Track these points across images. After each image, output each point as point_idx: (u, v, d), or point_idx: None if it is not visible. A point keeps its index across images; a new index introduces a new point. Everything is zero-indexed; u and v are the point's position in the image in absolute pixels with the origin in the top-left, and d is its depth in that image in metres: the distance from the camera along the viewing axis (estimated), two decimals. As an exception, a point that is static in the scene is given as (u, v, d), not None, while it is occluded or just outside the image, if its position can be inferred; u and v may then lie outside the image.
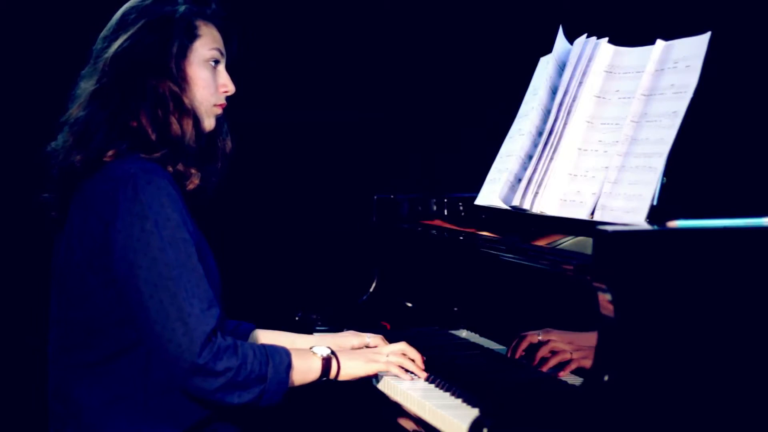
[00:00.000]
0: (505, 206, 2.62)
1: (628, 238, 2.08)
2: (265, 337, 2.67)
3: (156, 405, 2.31)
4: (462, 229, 2.80)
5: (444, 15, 4.12)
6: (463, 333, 2.86)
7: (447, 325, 2.91)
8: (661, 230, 2.16)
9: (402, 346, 2.53)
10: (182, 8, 2.41)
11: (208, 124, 2.46)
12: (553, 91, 2.65)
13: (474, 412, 2.18)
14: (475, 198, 2.76)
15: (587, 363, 2.30)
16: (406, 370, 2.49)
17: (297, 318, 2.96)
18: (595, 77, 2.57)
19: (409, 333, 2.82)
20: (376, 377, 2.51)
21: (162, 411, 2.31)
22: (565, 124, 2.57)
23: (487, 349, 2.68)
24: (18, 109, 3.76)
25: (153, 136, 2.34)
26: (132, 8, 2.41)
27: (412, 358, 2.51)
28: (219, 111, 2.48)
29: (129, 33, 2.36)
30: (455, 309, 2.91)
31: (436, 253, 2.96)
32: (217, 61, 2.46)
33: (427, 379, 2.47)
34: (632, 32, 2.63)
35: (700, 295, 2.08)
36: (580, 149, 2.55)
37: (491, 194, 2.68)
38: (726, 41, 2.49)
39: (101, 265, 2.26)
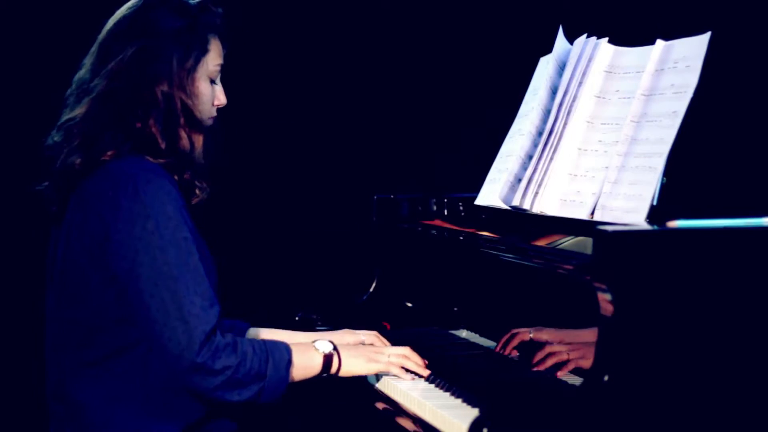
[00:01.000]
0: (505, 206, 2.62)
1: (628, 238, 2.08)
2: (264, 334, 2.67)
3: (156, 403, 2.31)
4: (462, 229, 2.80)
5: (444, 15, 4.12)
6: (463, 333, 2.86)
7: (447, 325, 2.91)
8: (661, 230, 2.16)
9: (405, 350, 2.53)
10: (201, 21, 2.38)
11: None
12: (553, 91, 2.65)
13: (474, 412, 2.18)
14: (475, 198, 2.76)
15: (585, 363, 2.31)
16: (407, 371, 2.49)
17: (297, 318, 2.96)
18: (595, 77, 2.57)
19: (409, 333, 2.82)
20: (376, 376, 2.51)
21: (162, 409, 2.31)
22: (565, 124, 2.57)
23: (487, 349, 2.68)
24: (15, 102, 3.76)
25: (162, 145, 2.34)
26: (147, 11, 2.36)
27: (415, 361, 2.51)
28: (210, 123, 2.47)
29: (145, 40, 2.33)
30: (455, 309, 2.91)
31: (436, 253, 2.96)
32: (216, 76, 2.45)
33: (427, 379, 2.47)
34: (632, 32, 2.63)
35: (700, 295, 2.08)
36: (580, 149, 2.55)
37: (491, 194, 2.68)
38: (726, 41, 2.49)
39: (101, 264, 2.27)
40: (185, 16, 2.37)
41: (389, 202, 3.14)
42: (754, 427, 2.10)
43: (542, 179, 2.56)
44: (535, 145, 2.62)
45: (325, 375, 2.42)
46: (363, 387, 2.55)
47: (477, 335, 2.79)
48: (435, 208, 3.08)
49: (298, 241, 4.08)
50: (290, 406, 2.51)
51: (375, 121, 4.12)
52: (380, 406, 2.50)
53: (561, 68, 2.66)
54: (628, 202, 2.36)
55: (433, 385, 2.43)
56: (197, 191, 2.41)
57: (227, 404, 2.29)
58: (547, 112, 2.63)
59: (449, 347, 2.74)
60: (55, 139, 2.37)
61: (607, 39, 2.59)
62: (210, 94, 2.43)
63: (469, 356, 2.64)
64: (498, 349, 2.59)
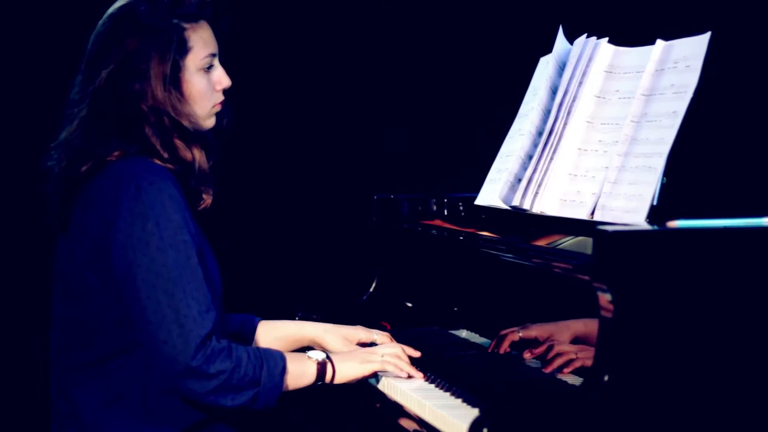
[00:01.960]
0: (505, 206, 2.62)
1: (628, 238, 2.08)
2: (274, 326, 2.68)
3: (155, 405, 2.31)
4: (462, 229, 2.80)
5: (445, 15, 4.12)
6: (463, 333, 2.86)
7: (447, 325, 2.91)
8: (661, 230, 2.16)
9: (397, 348, 2.53)
10: (171, 21, 2.32)
11: (209, 123, 2.44)
12: (553, 91, 2.65)
13: (474, 412, 2.18)
14: (475, 198, 2.76)
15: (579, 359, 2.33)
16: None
17: (297, 318, 2.96)
18: (595, 77, 2.57)
19: (409, 333, 2.82)
20: (376, 377, 2.51)
21: (161, 411, 2.31)
22: (565, 124, 2.57)
23: (487, 348, 2.68)
24: (20, 108, 3.76)
25: (165, 155, 2.32)
26: (117, 23, 2.32)
27: (410, 354, 2.50)
28: (218, 108, 2.44)
29: (118, 56, 2.29)
30: (455, 309, 2.91)
31: (436, 253, 2.96)
32: (210, 65, 2.40)
33: (427, 379, 2.47)
34: (632, 32, 2.63)
35: (700, 295, 2.08)
36: (580, 149, 2.55)
37: (491, 194, 2.67)
38: (726, 41, 2.49)
39: (102, 264, 2.26)
40: (155, 20, 2.31)
41: (389, 202, 3.14)
42: (754, 427, 2.10)
43: (542, 179, 2.56)
44: (535, 145, 2.62)
45: (320, 383, 2.41)
46: (363, 387, 2.54)
47: (477, 335, 2.79)
48: (435, 208, 3.08)
49: (298, 241, 4.08)
50: (290, 409, 2.51)
51: (375, 122, 4.12)
52: (380, 406, 2.50)
53: (561, 68, 2.66)
54: (628, 202, 2.36)
55: (433, 385, 2.43)
56: (204, 197, 2.40)
57: (221, 409, 2.28)
58: (547, 112, 2.63)
59: (449, 347, 2.74)
60: (50, 162, 2.36)
61: (607, 39, 2.59)
62: (205, 88, 2.38)
63: (469, 356, 2.64)
64: (490, 350, 2.60)
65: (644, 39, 2.53)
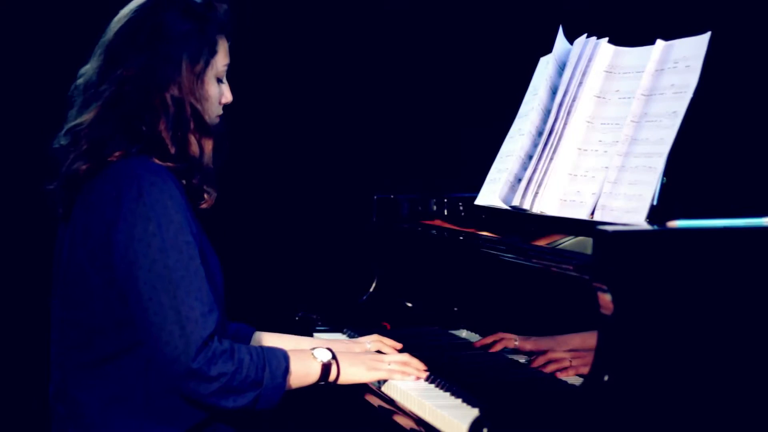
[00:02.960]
0: (505, 206, 2.62)
1: (628, 238, 2.08)
2: (269, 338, 2.67)
3: (156, 406, 2.31)
4: (462, 229, 2.80)
5: (445, 15, 4.12)
6: (463, 333, 2.86)
7: (447, 325, 2.91)
8: (661, 230, 2.16)
9: (404, 356, 2.53)
10: (209, 22, 2.36)
11: None
12: (553, 91, 2.65)
13: (474, 412, 2.18)
14: (475, 198, 2.76)
15: (586, 370, 2.32)
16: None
17: (297, 318, 2.96)
18: (595, 77, 2.57)
19: (409, 333, 2.82)
20: (378, 382, 2.51)
21: (162, 412, 2.31)
22: (565, 124, 2.57)
23: (487, 348, 2.68)
24: (21, 103, 3.76)
25: (172, 150, 2.33)
26: (154, 13, 2.34)
27: (415, 367, 2.50)
28: (216, 122, 2.46)
29: (154, 45, 2.31)
30: (455, 309, 2.91)
31: (436, 253, 2.96)
32: (223, 75, 2.44)
33: (427, 379, 2.47)
34: (632, 32, 2.63)
35: (700, 295, 2.08)
36: (580, 149, 2.55)
37: (491, 194, 2.67)
38: (726, 41, 2.49)
39: (103, 264, 2.26)
40: (193, 18, 2.35)
41: (389, 202, 3.14)
42: (754, 426, 2.10)
43: (542, 179, 2.56)
44: (535, 145, 2.62)
45: (323, 383, 2.41)
46: (363, 386, 2.54)
47: (477, 335, 2.79)
48: (435, 208, 3.08)
49: (298, 241, 4.08)
50: (290, 408, 2.51)
51: (375, 122, 4.12)
52: (380, 405, 2.50)
53: (561, 68, 2.67)
54: (628, 202, 2.36)
55: (433, 385, 2.43)
56: (205, 196, 2.40)
57: (222, 410, 2.28)
58: (547, 112, 2.63)
59: (449, 347, 2.74)
60: (62, 142, 2.35)
61: (607, 39, 2.59)
62: (217, 95, 2.42)
63: (469, 356, 2.64)
64: (477, 344, 2.61)
65: (644, 39, 2.54)
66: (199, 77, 2.35)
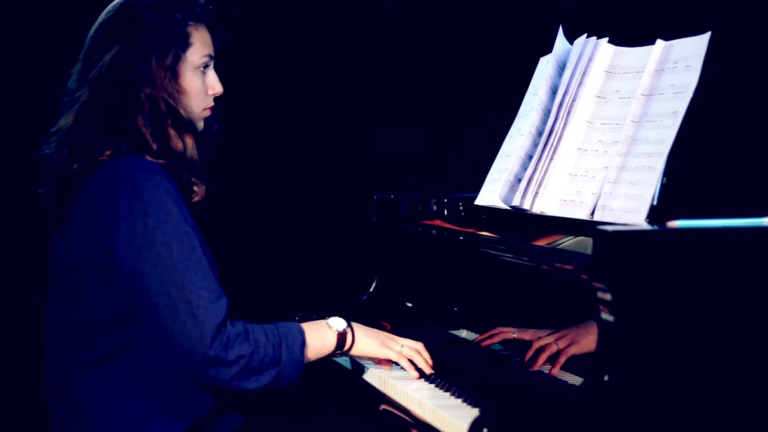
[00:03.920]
0: (505, 206, 2.62)
1: (628, 238, 2.08)
2: None
3: (160, 401, 2.31)
4: (462, 229, 2.80)
5: (445, 15, 4.12)
6: (463, 333, 2.86)
7: (447, 325, 2.91)
8: (661, 230, 2.16)
9: (419, 345, 2.53)
10: (177, 15, 2.36)
11: (199, 126, 2.46)
12: (553, 91, 2.65)
13: (474, 412, 2.18)
14: (475, 198, 2.76)
15: (575, 349, 2.34)
16: (415, 367, 2.49)
17: (297, 318, 2.96)
18: (595, 77, 2.57)
19: (409, 333, 2.82)
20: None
21: (166, 406, 2.32)
22: (565, 124, 2.57)
23: (488, 349, 2.69)
24: (14, 106, 3.76)
25: (154, 146, 2.34)
26: (123, 14, 2.36)
27: (425, 359, 2.51)
28: (208, 113, 2.47)
29: (122, 43, 2.32)
30: (455, 309, 2.91)
31: (436, 253, 2.96)
32: (206, 65, 2.44)
33: (427, 379, 2.48)
34: (632, 32, 2.63)
35: (699, 295, 2.08)
36: (580, 149, 2.55)
37: (491, 194, 2.67)
38: (726, 41, 2.49)
39: (102, 264, 2.26)
40: (161, 12, 2.35)
41: (389, 202, 3.14)
42: (754, 426, 2.10)
43: (542, 179, 2.56)
44: (535, 145, 2.62)
45: (339, 352, 2.43)
46: (363, 386, 2.55)
47: (477, 335, 2.79)
48: (435, 208, 3.08)
49: (298, 241, 4.08)
50: (290, 408, 2.52)
51: (375, 121, 4.12)
52: (380, 406, 2.50)
53: (561, 68, 2.66)
54: (628, 202, 2.36)
55: (433, 385, 2.43)
56: (195, 189, 2.41)
57: (246, 393, 2.29)
58: (547, 112, 2.63)
59: (449, 347, 2.74)
60: (48, 150, 2.37)
61: (607, 39, 2.59)
62: (200, 87, 2.42)
63: (469, 356, 2.64)
64: (475, 340, 2.62)
65: (644, 39, 2.53)
66: (171, 71, 2.35)
